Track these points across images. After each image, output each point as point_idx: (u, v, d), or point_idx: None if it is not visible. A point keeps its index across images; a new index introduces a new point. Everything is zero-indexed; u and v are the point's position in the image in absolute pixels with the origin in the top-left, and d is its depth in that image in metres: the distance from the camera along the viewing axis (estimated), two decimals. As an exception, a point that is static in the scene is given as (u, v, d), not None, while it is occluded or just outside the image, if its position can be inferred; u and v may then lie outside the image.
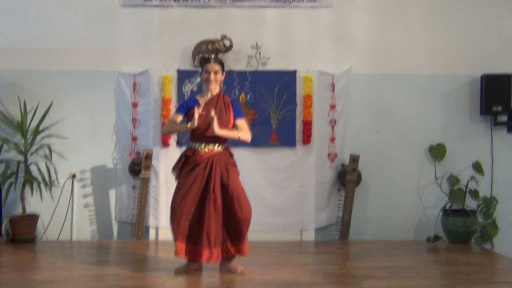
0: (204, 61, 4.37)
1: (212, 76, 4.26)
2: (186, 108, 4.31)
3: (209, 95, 4.31)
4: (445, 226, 5.57)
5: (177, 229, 4.20)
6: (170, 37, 5.92)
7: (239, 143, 4.41)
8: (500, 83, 5.83)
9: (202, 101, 4.30)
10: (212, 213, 4.15)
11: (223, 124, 4.17)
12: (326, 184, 5.90)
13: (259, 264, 4.53)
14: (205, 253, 4.15)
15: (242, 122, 4.34)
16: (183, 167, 4.27)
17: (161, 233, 5.71)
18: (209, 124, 4.09)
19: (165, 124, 4.92)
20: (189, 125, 4.15)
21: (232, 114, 4.31)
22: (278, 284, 4.09)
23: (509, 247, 5.53)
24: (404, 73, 6.01)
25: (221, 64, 4.37)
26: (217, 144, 4.24)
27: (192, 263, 4.30)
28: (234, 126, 4.31)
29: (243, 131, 4.30)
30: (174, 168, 4.36)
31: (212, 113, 4.07)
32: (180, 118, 4.29)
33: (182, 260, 4.29)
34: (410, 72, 6.00)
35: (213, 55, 5.35)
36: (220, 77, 4.33)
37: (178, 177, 4.32)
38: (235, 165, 4.34)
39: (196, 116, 4.07)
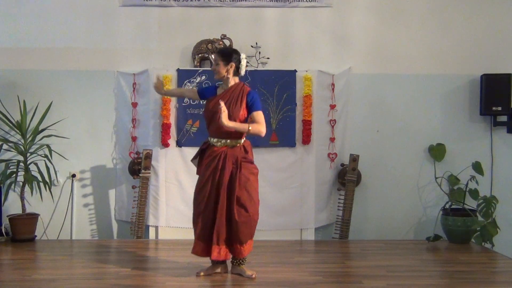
0: None
1: (213, 66, 4.23)
2: (203, 91, 4.35)
3: (225, 87, 4.20)
4: (445, 225, 5.56)
5: (195, 227, 4.17)
6: (170, 36, 5.93)
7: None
8: (500, 83, 5.83)
9: (219, 92, 4.21)
10: (220, 210, 4.06)
11: (229, 118, 4.00)
12: (326, 183, 5.90)
13: (259, 263, 4.53)
14: (214, 251, 4.07)
15: (257, 114, 4.10)
16: (201, 161, 4.22)
17: (161, 232, 5.70)
18: (219, 118, 3.96)
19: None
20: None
21: (243, 106, 4.10)
22: (278, 283, 4.10)
23: (509, 247, 5.54)
24: (404, 73, 6.01)
25: (220, 53, 4.18)
26: (230, 139, 4.11)
27: (217, 266, 4.26)
28: (250, 120, 4.12)
29: (256, 124, 4.07)
30: (193, 159, 4.34)
31: (222, 104, 3.94)
32: (191, 89, 4.38)
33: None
34: (410, 72, 6.00)
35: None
36: (220, 68, 4.14)
37: (198, 171, 4.26)
38: (251, 162, 4.18)
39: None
